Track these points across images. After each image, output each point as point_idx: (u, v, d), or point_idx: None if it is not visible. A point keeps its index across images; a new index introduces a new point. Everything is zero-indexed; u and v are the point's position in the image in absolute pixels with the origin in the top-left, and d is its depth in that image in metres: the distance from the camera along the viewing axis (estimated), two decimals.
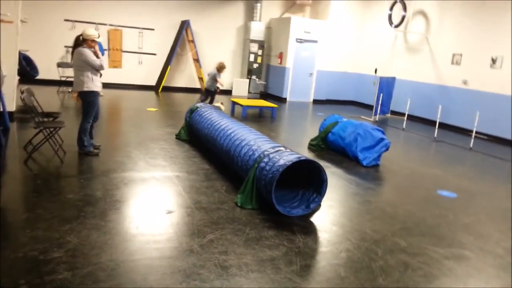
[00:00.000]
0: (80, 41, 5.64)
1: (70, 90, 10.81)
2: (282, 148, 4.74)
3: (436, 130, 9.87)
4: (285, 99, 14.26)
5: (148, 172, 5.36)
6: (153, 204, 4.41)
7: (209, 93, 10.02)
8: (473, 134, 9.08)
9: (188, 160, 6.06)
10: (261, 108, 10.88)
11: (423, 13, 12.30)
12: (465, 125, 10.89)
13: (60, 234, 3.50)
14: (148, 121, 8.73)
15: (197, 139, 6.92)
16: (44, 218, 3.78)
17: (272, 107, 10.66)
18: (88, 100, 5.70)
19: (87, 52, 5.56)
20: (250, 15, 14.44)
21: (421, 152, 8.56)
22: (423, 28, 12.32)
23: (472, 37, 10.89)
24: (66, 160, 5.52)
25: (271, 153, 4.61)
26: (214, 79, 9.75)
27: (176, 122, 8.54)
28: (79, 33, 5.75)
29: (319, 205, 4.76)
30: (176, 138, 7.27)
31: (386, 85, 12.18)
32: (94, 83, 5.67)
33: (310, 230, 4.17)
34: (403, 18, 12.54)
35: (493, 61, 10.35)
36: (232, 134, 5.47)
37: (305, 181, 4.78)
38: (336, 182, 5.81)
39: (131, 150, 6.30)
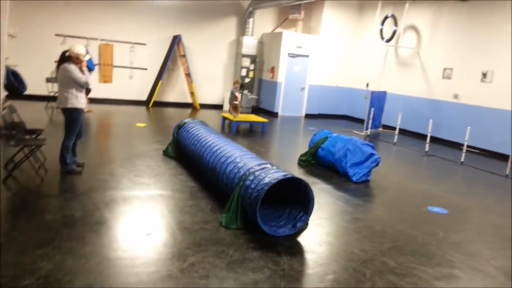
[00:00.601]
0: (66, 57, 5.55)
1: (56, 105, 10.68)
2: (268, 165, 4.63)
3: (427, 144, 9.81)
4: (277, 113, 14.20)
5: (131, 191, 5.22)
6: (134, 225, 4.27)
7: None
8: (464, 148, 9.03)
9: (173, 178, 5.93)
10: (251, 123, 10.80)
11: (414, 28, 12.35)
12: (456, 139, 10.84)
13: (33, 259, 3.35)
14: (136, 137, 8.62)
15: (184, 155, 6.80)
16: (18, 242, 3.63)
17: (263, 122, 10.58)
18: (71, 117, 5.58)
19: (73, 69, 5.46)
20: (242, 30, 14.46)
21: (412, 166, 8.48)
22: (414, 43, 12.36)
23: (463, 52, 10.92)
24: (47, 179, 5.38)
25: (257, 170, 4.50)
26: (233, 94, 11.08)
27: (164, 138, 8.42)
28: (68, 48, 5.66)
29: (306, 224, 4.64)
30: (164, 154, 7.15)
31: (378, 100, 12.16)
32: (78, 100, 5.56)
33: (296, 251, 4.04)
34: (394, 33, 12.58)
35: (484, 75, 10.36)
36: (218, 151, 5.36)
37: (291, 199, 4.67)
38: (325, 199, 5.69)
39: (115, 167, 6.17)
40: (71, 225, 4.06)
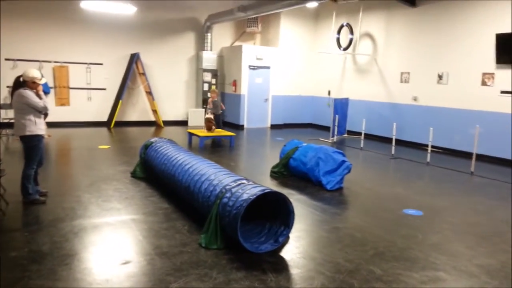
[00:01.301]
0: (21, 82, 5.24)
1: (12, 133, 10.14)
2: (244, 181, 4.51)
3: (393, 147, 10.01)
4: (243, 126, 14.14)
5: (100, 218, 4.95)
6: (107, 254, 4.01)
7: (217, 117, 11.11)
8: (429, 148, 9.26)
9: (145, 200, 5.69)
10: (218, 137, 10.65)
11: (369, 35, 12.67)
12: (419, 140, 11.16)
13: None
14: (100, 160, 8.27)
15: (154, 176, 6.56)
16: None
17: (230, 136, 10.46)
18: (31, 145, 5.26)
19: (29, 94, 5.16)
20: (201, 45, 14.36)
21: (381, 170, 8.60)
22: (370, 50, 12.68)
23: (418, 56, 11.29)
24: (9, 212, 5.02)
25: (233, 187, 4.38)
26: (217, 105, 11.27)
27: (130, 159, 8.14)
28: (20, 73, 5.35)
29: (288, 237, 4.54)
30: (132, 176, 6.87)
31: (341, 106, 12.34)
32: (37, 126, 5.25)
33: (281, 267, 3.93)
34: (350, 41, 12.86)
35: (440, 77, 10.73)
36: (191, 169, 5.19)
37: (271, 213, 4.56)
38: (302, 210, 5.62)
39: (81, 194, 5.85)
40: (39, 261, 3.77)
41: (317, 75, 14.88)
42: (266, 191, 4.16)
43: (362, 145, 10.91)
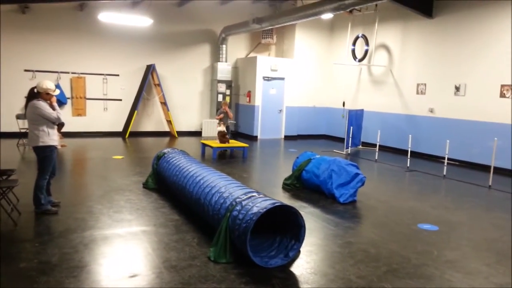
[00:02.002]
0: (35, 93, 5.31)
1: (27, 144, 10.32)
2: (255, 194, 4.45)
3: (409, 160, 9.84)
4: (256, 137, 14.11)
5: (111, 229, 4.94)
6: (116, 267, 3.99)
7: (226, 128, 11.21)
8: (445, 161, 9.07)
9: (156, 212, 5.68)
10: (231, 148, 10.64)
11: (385, 47, 12.57)
12: (435, 152, 10.95)
13: None
14: (114, 170, 8.32)
15: (165, 187, 6.55)
16: None
17: (243, 147, 10.44)
18: (44, 156, 5.31)
19: (42, 105, 5.22)
20: (216, 56, 14.45)
21: (396, 183, 8.44)
22: (386, 61, 12.56)
23: (434, 67, 11.14)
24: (21, 222, 5.05)
25: (243, 200, 4.32)
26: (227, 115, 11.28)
27: (143, 170, 8.16)
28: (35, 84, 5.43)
29: (299, 252, 4.46)
30: (144, 187, 6.88)
31: (355, 118, 12.22)
32: (50, 137, 5.30)
33: (291, 283, 3.85)
34: (366, 52, 12.78)
35: (457, 88, 10.55)
36: (202, 181, 5.16)
37: (282, 227, 4.49)
38: (314, 223, 5.53)
39: (93, 204, 5.87)
40: (48, 272, 3.77)
41: (332, 87, 14.80)
42: (276, 204, 4.09)
43: (377, 157, 10.75)
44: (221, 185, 4.85)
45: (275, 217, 4.46)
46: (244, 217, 4.06)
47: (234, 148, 10.64)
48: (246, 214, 4.06)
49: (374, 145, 11.36)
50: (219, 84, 14.17)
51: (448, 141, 9.08)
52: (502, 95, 9.60)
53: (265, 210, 3.98)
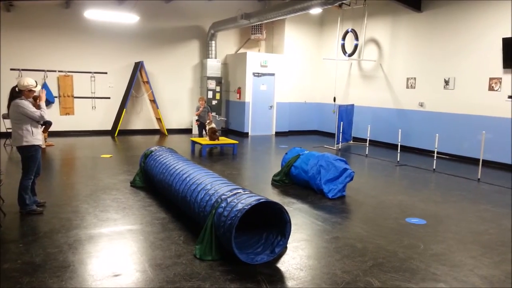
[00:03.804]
0: (17, 92, 5.23)
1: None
2: (240, 191, 4.43)
3: (399, 154, 9.86)
4: (247, 133, 14.08)
5: (97, 228, 4.89)
6: (100, 266, 3.94)
7: (203, 125, 11.19)
8: (435, 155, 9.10)
9: (143, 210, 5.63)
10: (222, 145, 10.60)
11: (375, 41, 12.57)
12: (425, 146, 11.01)
13: None
14: (102, 169, 8.25)
15: (153, 185, 6.51)
16: None
17: (233, 144, 10.40)
18: (28, 155, 5.24)
19: (25, 104, 5.15)
20: (205, 52, 14.38)
21: (386, 178, 8.45)
22: (376, 56, 12.57)
23: (424, 61, 11.17)
24: (6, 223, 4.99)
25: (229, 196, 4.30)
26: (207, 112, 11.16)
27: (132, 168, 8.11)
28: (15, 84, 5.35)
29: (285, 248, 4.44)
30: (131, 185, 6.83)
31: (346, 113, 12.22)
32: (34, 137, 5.23)
33: (276, 279, 3.83)
34: (356, 47, 12.77)
35: (446, 82, 10.58)
36: (188, 179, 5.13)
37: (268, 223, 4.47)
38: (302, 219, 5.52)
39: (79, 204, 5.81)
40: (31, 273, 3.72)
41: (323, 82, 14.80)
42: (261, 200, 4.07)
43: (367, 152, 10.77)
44: (207, 182, 4.82)
45: (261, 213, 4.44)
46: (229, 214, 4.03)
47: (224, 145, 10.60)
48: (231, 211, 4.04)
49: (365, 140, 11.38)
50: (209, 81, 14.11)
51: (437, 135, 9.11)
52: (491, 88, 9.64)
53: (249, 206, 3.96)
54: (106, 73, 13.17)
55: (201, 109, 11.25)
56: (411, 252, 4.49)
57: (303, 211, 5.88)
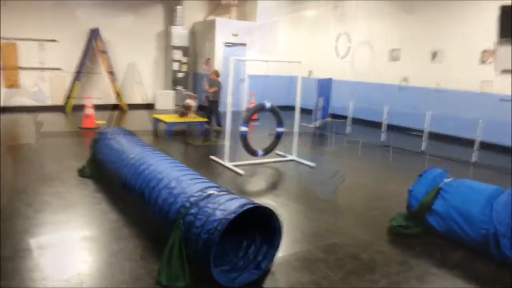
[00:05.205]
0: None
1: None
2: (214, 191, 3.38)
3: (382, 134, 9.02)
4: None
5: (26, 236, 3.72)
6: None
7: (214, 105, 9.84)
8: (424, 135, 8.31)
9: (90, 209, 4.49)
10: (188, 123, 9.43)
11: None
12: (408, 124, 10.20)
13: None
14: (45, 152, 6.94)
15: (105, 176, 5.31)
16: None
17: (202, 122, 9.28)
18: None
19: None
20: (170, 19, 12.93)
21: (372, 162, 7.59)
22: (356, 23, 11.58)
23: (409, 31, 10.28)
24: None
25: (200, 199, 3.25)
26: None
27: (82, 151, 6.86)
28: None
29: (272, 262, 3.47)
30: (79, 175, 5.61)
31: (324, 87, 11.26)
32: None
33: None
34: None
35: (433, 55, 9.78)
36: (146, 171, 4.01)
37: (248, 226, 3.45)
38: None
39: (9, 200, 4.59)
40: None
41: (299, 53, 13.70)
42: (247, 207, 3.04)
43: (348, 130, 9.89)
44: (171, 177, 3.74)
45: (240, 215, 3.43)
46: (204, 224, 3.01)
47: (192, 123, 9.45)
48: (206, 221, 3.01)
49: (342, 117, 10.51)
50: (175, 51, 12.75)
51: (429, 113, 8.29)
52: (482, 62, 8.89)
53: (233, 215, 2.94)
54: (56, 41, 11.57)
55: (213, 88, 9.72)
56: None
57: None
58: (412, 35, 10.20)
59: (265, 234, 3.42)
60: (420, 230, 4.21)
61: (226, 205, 3.09)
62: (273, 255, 3.41)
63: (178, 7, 12.66)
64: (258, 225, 3.43)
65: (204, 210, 3.12)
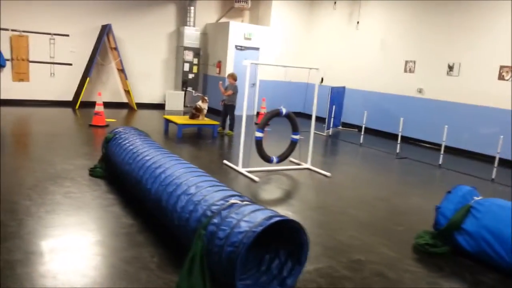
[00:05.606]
0: None
1: None
2: (237, 200, 3.20)
3: (398, 145, 8.83)
4: None
5: (37, 240, 3.55)
6: None
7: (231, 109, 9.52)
8: (442, 149, 8.11)
9: (102, 212, 4.31)
10: (200, 126, 9.27)
11: (371, 16, 11.39)
12: (423, 137, 10.04)
13: None
14: (55, 149, 6.77)
15: (117, 176, 5.14)
16: None
17: (213, 125, 9.12)
18: None
19: None
20: (183, 19, 12.81)
21: (390, 173, 7.40)
22: (372, 34, 11.41)
23: (426, 43, 10.10)
24: None
25: (223, 208, 3.07)
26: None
27: (93, 150, 6.72)
28: None
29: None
30: (90, 175, 5.44)
31: (337, 96, 11.10)
32: None
33: None
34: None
35: (450, 68, 9.58)
36: (163, 175, 3.84)
37: (270, 238, 3.26)
38: None
39: (19, 200, 4.41)
40: None
41: (312, 60, 13.54)
42: (274, 219, 2.86)
43: (361, 140, 9.70)
44: (190, 183, 3.55)
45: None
46: (228, 236, 2.82)
47: (203, 126, 9.29)
48: (231, 232, 2.82)
49: (354, 126, 10.33)
50: (186, 52, 12.62)
51: (446, 126, 8.09)
52: (501, 77, 8.70)
53: (260, 228, 2.75)
54: (68, 35, 11.46)
55: (229, 91, 9.42)
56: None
57: None
58: (428, 47, 10.01)
59: (289, 247, 3.24)
60: (447, 250, 4.00)
61: (251, 216, 2.91)
62: (300, 271, 3.22)
63: (190, 7, 12.53)
64: (280, 237, 3.25)
65: (228, 221, 2.93)
